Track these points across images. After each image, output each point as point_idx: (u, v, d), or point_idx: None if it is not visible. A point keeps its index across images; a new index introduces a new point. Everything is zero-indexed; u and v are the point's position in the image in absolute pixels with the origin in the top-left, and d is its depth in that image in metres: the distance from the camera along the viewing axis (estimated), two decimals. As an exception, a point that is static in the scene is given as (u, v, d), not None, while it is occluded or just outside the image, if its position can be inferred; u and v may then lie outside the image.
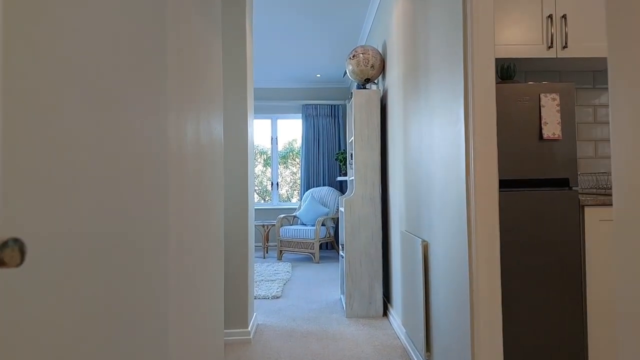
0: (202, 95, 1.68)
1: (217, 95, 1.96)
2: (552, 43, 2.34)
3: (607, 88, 2.72)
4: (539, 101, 2.10)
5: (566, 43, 2.32)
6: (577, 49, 2.34)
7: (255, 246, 6.54)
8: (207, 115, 1.77)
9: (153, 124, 1.15)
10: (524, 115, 2.11)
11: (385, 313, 3.51)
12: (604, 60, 2.39)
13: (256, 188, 7.71)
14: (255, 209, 6.96)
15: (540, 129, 2.10)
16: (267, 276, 4.82)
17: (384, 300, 3.65)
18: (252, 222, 3.24)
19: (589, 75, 2.74)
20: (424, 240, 2.38)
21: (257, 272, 5.02)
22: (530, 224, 2.07)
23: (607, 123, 2.69)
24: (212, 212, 1.82)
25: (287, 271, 5.08)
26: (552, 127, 2.10)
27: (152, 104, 1.15)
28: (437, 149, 2.13)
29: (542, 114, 2.10)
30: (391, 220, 3.39)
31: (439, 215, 2.12)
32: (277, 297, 4.02)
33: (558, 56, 2.36)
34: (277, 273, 4.97)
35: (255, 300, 3.94)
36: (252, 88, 3.24)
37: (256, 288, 4.30)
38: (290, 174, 7.81)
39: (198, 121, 1.61)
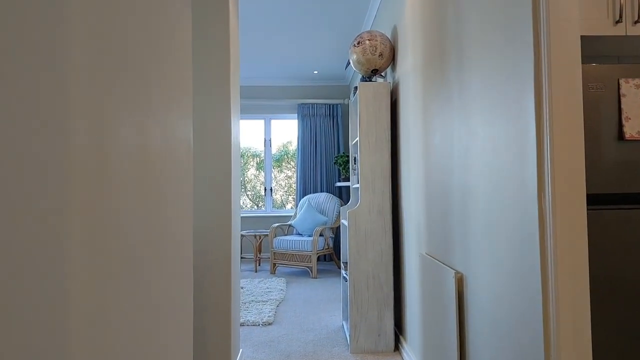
0: (155, 87, 1.13)
1: (182, 87, 1.40)
2: (620, 17, 1.80)
3: None
4: (618, 89, 1.57)
5: (639, 16, 1.79)
6: (657, 23, 1.81)
7: (246, 258, 5.96)
8: (165, 113, 1.21)
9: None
10: (596, 107, 1.57)
11: (397, 347, 2.96)
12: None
13: (249, 193, 7.16)
14: (247, 217, 6.40)
15: (621, 126, 1.56)
16: (258, 295, 4.26)
17: (395, 331, 3.10)
18: (237, 235, 2.68)
19: None
20: (457, 272, 1.84)
21: (247, 291, 4.46)
22: (612, 253, 1.53)
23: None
24: (170, 234, 1.26)
25: (281, 289, 4.52)
26: (636, 124, 1.56)
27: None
28: (480, 153, 1.59)
29: (622, 106, 1.56)
30: (405, 238, 2.84)
31: (483, 240, 1.58)
32: (269, 324, 3.46)
33: (628, 33, 1.82)
34: (270, 291, 4.41)
35: (243, 328, 3.38)
36: (238, 83, 2.69)
37: (244, 312, 3.74)
38: (285, 178, 7.26)
39: (144, 121, 1.06)
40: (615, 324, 1.54)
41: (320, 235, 5.41)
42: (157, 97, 1.15)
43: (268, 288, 4.55)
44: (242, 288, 4.56)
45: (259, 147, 6.90)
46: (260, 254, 5.81)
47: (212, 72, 2.39)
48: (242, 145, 6.76)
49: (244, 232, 5.64)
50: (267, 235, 5.57)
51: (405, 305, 2.83)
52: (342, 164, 5.78)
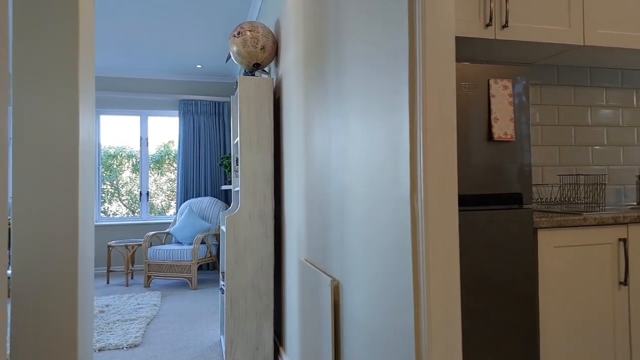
0: None
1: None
2: (490, 20, 1.84)
3: (572, 85, 2.34)
4: (488, 89, 1.57)
5: (507, 21, 1.84)
6: (521, 30, 1.88)
7: (115, 272, 5.29)
8: None
9: None
10: (468, 107, 1.55)
11: (276, 358, 2.77)
12: (557, 46, 1.93)
13: (124, 199, 6.45)
14: (119, 225, 5.73)
15: (490, 126, 1.56)
16: (125, 313, 3.77)
17: (275, 342, 2.91)
18: (89, 247, 2.27)
19: (551, 69, 2.31)
20: (334, 279, 1.70)
21: (113, 309, 3.93)
22: (478, 254, 1.51)
23: (575, 126, 2.30)
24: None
25: (155, 304, 4.07)
26: (504, 125, 1.57)
27: None
28: (357, 153, 1.47)
29: (491, 107, 1.56)
30: (287, 244, 2.68)
31: (360, 245, 1.46)
32: (136, 346, 3.04)
33: (497, 37, 1.87)
34: (141, 308, 3.94)
35: (102, 353, 2.92)
36: (93, 72, 2.29)
37: (106, 334, 3.25)
38: (167, 182, 6.69)
39: None
40: (485, 325, 1.52)
41: (203, 242, 5.04)
42: None
43: (139, 304, 4.07)
44: (106, 306, 4.01)
45: (136, 146, 6.27)
46: (133, 266, 5.24)
47: (52, 56, 1.98)
48: (114, 145, 6.06)
49: (112, 243, 5.02)
50: (141, 244, 5.03)
51: (285, 314, 2.66)
52: (228, 166, 5.47)
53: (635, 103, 2.41)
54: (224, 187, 5.12)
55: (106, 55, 5.10)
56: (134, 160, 6.37)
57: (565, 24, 1.93)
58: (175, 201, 6.10)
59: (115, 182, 6.45)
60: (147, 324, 3.53)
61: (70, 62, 2.01)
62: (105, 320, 3.59)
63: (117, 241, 5.17)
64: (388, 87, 1.23)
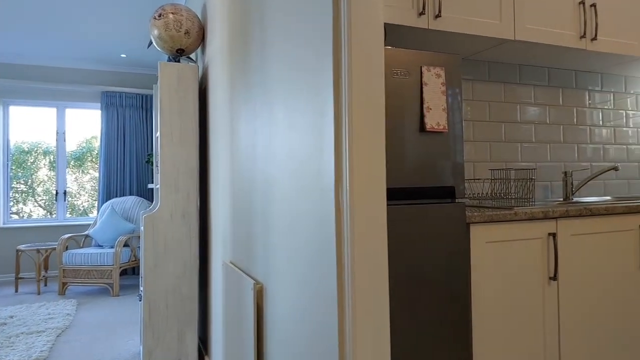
0: None
1: None
2: (424, 9, 1.77)
3: (502, 82, 2.31)
4: (421, 77, 1.48)
5: (439, 11, 1.78)
6: (454, 21, 1.82)
7: (24, 279, 4.74)
8: None
9: None
10: (401, 95, 1.46)
11: (202, 370, 2.56)
12: (489, 40, 1.88)
13: (40, 199, 5.85)
14: (32, 228, 5.19)
15: (422, 116, 1.47)
16: (32, 325, 3.36)
17: (200, 350, 2.70)
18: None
19: (483, 65, 2.28)
20: (257, 282, 1.54)
21: (18, 320, 3.50)
22: (409, 250, 1.42)
23: (505, 122, 2.28)
24: None
25: (68, 313, 3.68)
26: (436, 115, 1.49)
27: None
28: (282, 141, 1.33)
29: (424, 96, 1.48)
30: (213, 246, 2.48)
31: (284, 244, 1.31)
32: (40, 362, 2.70)
33: (430, 27, 1.80)
34: (51, 318, 3.55)
35: (-2, 373, 2.56)
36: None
37: (6, 349, 2.87)
38: (90, 180, 6.16)
39: None
40: (416, 324, 1.43)
41: (126, 245, 4.66)
42: None
43: (50, 314, 3.66)
44: (10, 318, 3.57)
45: (53, 141, 5.72)
46: (46, 272, 4.75)
47: None
48: (27, 139, 5.49)
49: (22, 247, 4.52)
50: (55, 248, 4.57)
51: (211, 322, 2.46)
52: (155, 164, 5.12)
53: (561, 101, 2.46)
54: (151, 186, 4.78)
55: (13, 38, 4.57)
56: (52, 157, 5.81)
57: (496, 17, 1.91)
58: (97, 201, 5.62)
59: (29, 181, 5.84)
60: (57, 336, 3.17)
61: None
62: (7, 333, 3.18)
63: (28, 245, 4.65)
64: (312, 66, 1.10)
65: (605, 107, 2.58)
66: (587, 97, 2.54)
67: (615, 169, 2.22)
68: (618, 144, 2.61)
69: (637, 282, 1.82)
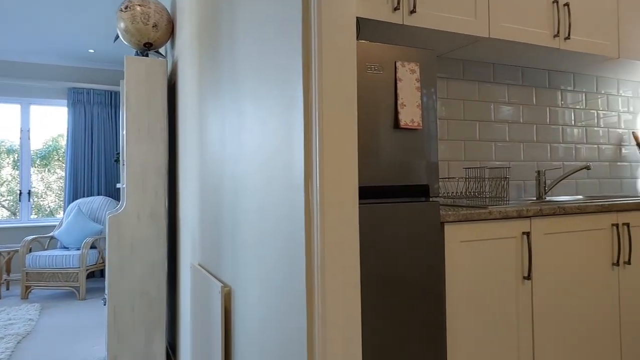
0: None
1: None
2: (398, 4, 1.73)
3: (477, 81, 2.29)
4: (395, 72, 1.44)
5: (414, 6, 1.74)
6: (429, 18, 1.79)
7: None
8: None
9: None
10: (375, 91, 1.41)
11: (171, 376, 2.47)
12: (464, 37, 1.85)
13: (4, 199, 5.59)
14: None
15: (397, 112, 1.43)
16: (-10, 332, 3.19)
17: (168, 355, 2.60)
18: None
19: (457, 64, 2.25)
20: (225, 285, 1.48)
21: (-24, 327, 3.32)
22: (382, 249, 1.38)
23: (480, 121, 2.26)
24: None
25: (31, 318, 3.51)
26: (410, 112, 1.45)
27: None
28: (251, 136, 1.26)
29: (398, 92, 1.44)
30: (182, 247, 2.39)
31: (253, 245, 1.25)
32: (-3, 372, 2.55)
33: (405, 23, 1.77)
34: (12, 324, 3.37)
35: (-51, 384, 2.40)
36: None
37: (-40, 359, 2.70)
38: (57, 180, 5.92)
39: None
40: (390, 325, 1.39)
41: (93, 247, 4.50)
42: None
43: (11, 319, 3.49)
44: (-34, 324, 3.38)
45: (17, 139, 5.47)
46: (9, 275, 4.53)
47: None
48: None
49: (-18, 248, 4.31)
50: (18, 251, 4.36)
51: (180, 326, 2.37)
52: (122, 162, 4.96)
53: (534, 101, 2.47)
54: (119, 186, 4.62)
55: (-26, 30, 4.35)
56: (16, 155, 5.56)
57: (471, 14, 1.88)
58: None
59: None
60: (18, 343, 3.01)
61: None
62: (-39, 342, 3.00)
63: (-13, 248, 4.44)
64: (283, 56, 1.04)
65: (577, 107, 2.61)
66: (560, 97, 2.55)
67: (587, 168, 2.24)
68: (589, 143, 2.64)
69: (610, 281, 1.83)
